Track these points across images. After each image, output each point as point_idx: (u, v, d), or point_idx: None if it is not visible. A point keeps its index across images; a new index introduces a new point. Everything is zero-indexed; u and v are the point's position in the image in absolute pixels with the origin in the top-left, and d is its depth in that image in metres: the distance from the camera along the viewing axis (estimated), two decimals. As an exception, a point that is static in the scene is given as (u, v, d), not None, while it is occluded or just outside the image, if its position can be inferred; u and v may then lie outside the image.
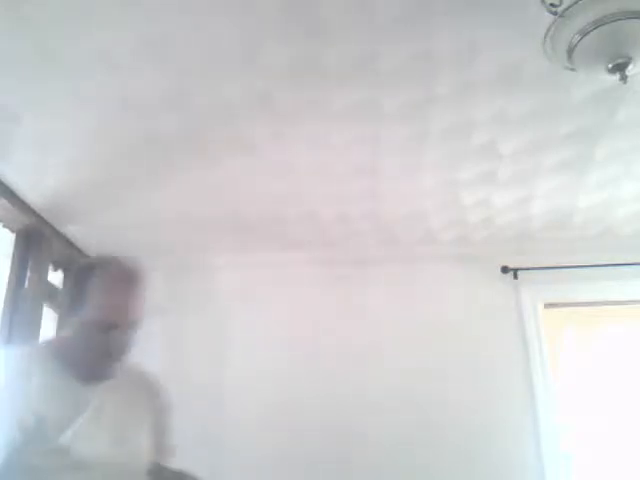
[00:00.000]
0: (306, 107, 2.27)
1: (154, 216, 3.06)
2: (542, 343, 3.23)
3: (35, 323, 2.85)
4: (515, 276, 3.32)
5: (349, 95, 2.21)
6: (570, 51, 1.71)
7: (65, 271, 3.29)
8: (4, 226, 2.86)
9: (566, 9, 1.64)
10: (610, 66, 1.70)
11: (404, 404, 3.14)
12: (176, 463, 1.76)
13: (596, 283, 3.24)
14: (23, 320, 2.78)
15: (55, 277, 3.16)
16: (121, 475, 1.53)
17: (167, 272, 3.33)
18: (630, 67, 1.69)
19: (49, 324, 3.03)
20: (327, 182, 2.80)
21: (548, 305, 3.35)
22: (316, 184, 2.82)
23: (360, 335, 3.29)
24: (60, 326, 3.10)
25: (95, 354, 1.55)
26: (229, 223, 3.17)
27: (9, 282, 2.84)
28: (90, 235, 3.18)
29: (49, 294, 3.02)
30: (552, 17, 1.68)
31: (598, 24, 1.62)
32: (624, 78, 1.71)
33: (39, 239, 2.95)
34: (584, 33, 1.65)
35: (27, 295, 2.85)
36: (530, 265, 3.31)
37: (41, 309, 2.93)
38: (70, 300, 1.61)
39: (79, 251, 3.29)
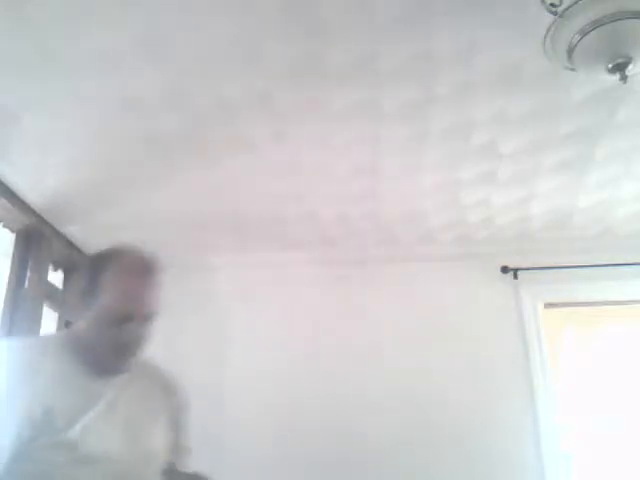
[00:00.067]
0: (306, 107, 2.27)
1: (154, 216, 3.06)
2: (542, 343, 3.22)
3: (35, 323, 2.85)
4: (515, 276, 3.32)
5: (349, 95, 2.21)
6: (570, 51, 1.70)
7: (65, 271, 3.29)
8: (4, 226, 2.86)
9: (566, 9, 1.64)
10: (610, 66, 1.70)
11: (404, 404, 3.14)
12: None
13: (596, 283, 3.24)
14: (23, 320, 2.78)
15: (55, 277, 3.16)
16: (132, 472, 1.48)
17: (167, 272, 3.32)
18: (630, 67, 1.69)
19: (49, 324, 3.03)
20: (327, 182, 2.80)
21: (548, 305, 3.35)
22: (316, 184, 2.82)
23: (360, 335, 3.29)
24: (60, 326, 3.11)
25: (108, 347, 1.48)
26: (229, 223, 3.17)
27: (9, 282, 2.84)
28: (90, 235, 3.18)
29: (49, 294, 3.02)
30: (552, 17, 1.68)
31: (598, 24, 1.62)
32: (624, 78, 1.71)
33: (39, 239, 2.95)
34: (584, 33, 1.65)
35: (27, 295, 2.85)
36: (530, 265, 3.31)
37: (41, 309, 2.93)
38: (83, 291, 1.53)
39: (79, 251, 3.29)
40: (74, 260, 3.26)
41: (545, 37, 1.72)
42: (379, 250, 3.43)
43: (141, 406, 1.57)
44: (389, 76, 2.10)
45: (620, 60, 1.69)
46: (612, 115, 2.33)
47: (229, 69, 2.07)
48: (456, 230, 3.27)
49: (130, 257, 1.57)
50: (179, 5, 1.80)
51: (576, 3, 1.62)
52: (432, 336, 3.27)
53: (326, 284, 3.42)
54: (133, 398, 1.56)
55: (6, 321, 2.74)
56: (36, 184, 2.72)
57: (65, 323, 3.14)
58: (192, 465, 1.74)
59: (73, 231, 3.18)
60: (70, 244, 3.25)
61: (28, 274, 2.90)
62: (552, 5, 1.68)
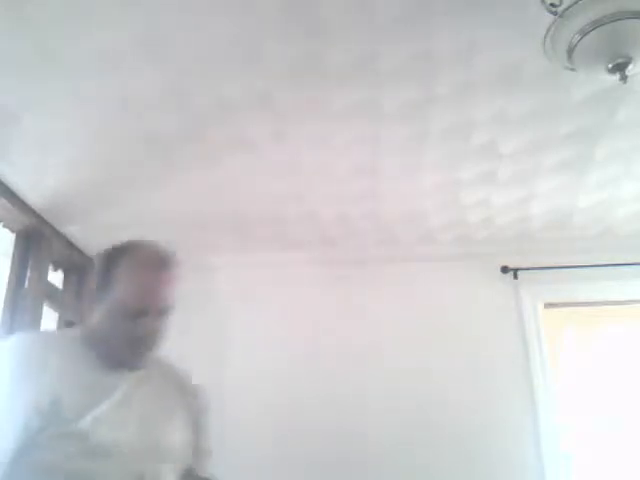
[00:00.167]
0: (306, 107, 2.27)
1: (154, 216, 3.06)
2: (542, 343, 3.22)
3: (35, 323, 2.85)
4: (515, 276, 3.32)
5: (349, 95, 2.21)
6: (570, 51, 1.71)
7: (65, 271, 3.30)
8: (4, 226, 2.86)
9: (566, 9, 1.64)
10: (610, 66, 1.70)
11: (404, 404, 3.14)
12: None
13: (596, 283, 3.24)
14: (23, 320, 2.78)
15: (55, 277, 3.17)
16: (144, 466, 1.45)
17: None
18: (630, 67, 1.69)
19: (49, 324, 3.03)
20: (327, 182, 2.80)
21: (548, 305, 3.35)
22: (316, 184, 2.82)
23: (360, 335, 3.29)
24: (60, 326, 3.11)
25: (123, 341, 1.47)
26: (229, 223, 3.17)
27: (9, 282, 2.84)
28: (90, 235, 3.18)
29: (49, 294, 3.02)
30: (552, 17, 1.68)
31: (598, 24, 1.62)
32: (624, 78, 1.71)
33: (39, 239, 2.95)
34: (584, 33, 1.65)
35: (27, 295, 2.85)
36: (530, 265, 3.31)
37: (41, 309, 2.93)
38: (97, 285, 1.51)
39: (79, 251, 3.29)
40: (74, 260, 3.26)
41: (545, 37, 1.72)
42: (379, 250, 3.43)
43: (155, 404, 1.56)
44: (389, 76, 2.10)
45: (620, 60, 1.69)
46: (612, 115, 2.33)
47: (229, 69, 2.07)
48: (456, 230, 3.27)
49: (146, 251, 1.56)
50: (179, 5, 1.80)
51: (576, 3, 1.62)
52: (432, 336, 3.27)
53: (326, 284, 3.42)
54: (148, 395, 1.54)
55: (6, 321, 2.74)
56: (36, 184, 2.72)
57: (65, 323, 3.14)
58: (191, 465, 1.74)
59: (73, 231, 3.18)
60: (70, 244, 3.25)
61: (28, 274, 2.90)
62: (552, 5, 1.68)
